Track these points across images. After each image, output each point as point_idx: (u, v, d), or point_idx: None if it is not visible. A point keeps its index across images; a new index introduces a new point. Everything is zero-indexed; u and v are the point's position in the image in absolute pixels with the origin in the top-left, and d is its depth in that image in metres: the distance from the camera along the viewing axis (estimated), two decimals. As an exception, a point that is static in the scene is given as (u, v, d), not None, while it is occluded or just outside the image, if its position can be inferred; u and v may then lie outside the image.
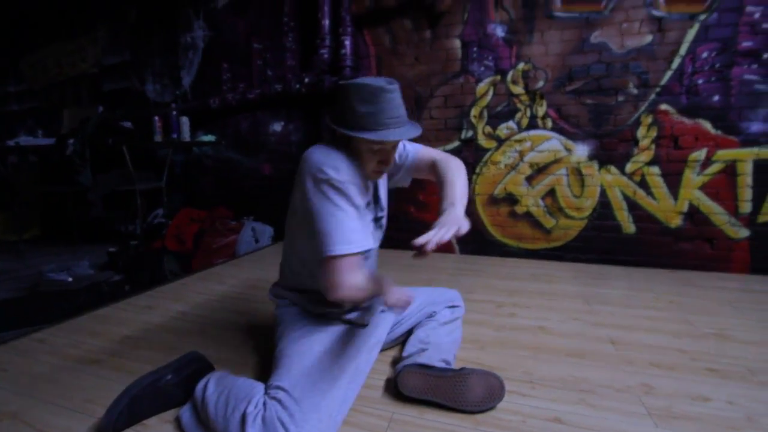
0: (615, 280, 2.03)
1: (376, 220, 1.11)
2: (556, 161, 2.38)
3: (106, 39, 3.26)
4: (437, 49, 2.53)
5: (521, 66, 2.38)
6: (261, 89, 2.88)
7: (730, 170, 2.08)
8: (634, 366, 1.17)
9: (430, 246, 0.81)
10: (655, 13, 2.12)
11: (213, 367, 1.09)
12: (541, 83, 2.35)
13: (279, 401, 0.82)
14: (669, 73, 2.14)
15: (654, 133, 2.19)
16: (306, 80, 2.62)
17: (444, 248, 2.67)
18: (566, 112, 2.33)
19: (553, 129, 2.36)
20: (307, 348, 0.97)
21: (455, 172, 1.08)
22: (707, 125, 2.10)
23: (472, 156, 2.54)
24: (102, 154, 2.56)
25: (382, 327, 1.10)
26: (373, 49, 2.68)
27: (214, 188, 3.22)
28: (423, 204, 2.70)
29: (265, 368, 1.17)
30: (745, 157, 2.05)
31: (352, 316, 1.09)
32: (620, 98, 2.23)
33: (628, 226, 2.28)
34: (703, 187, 2.14)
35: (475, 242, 2.60)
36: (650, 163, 2.21)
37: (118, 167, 2.67)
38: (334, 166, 0.90)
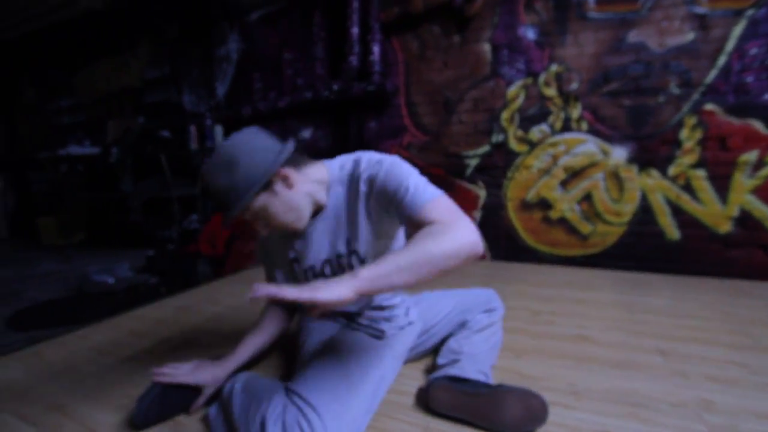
0: (659, 289, 1.91)
1: None
2: (593, 165, 2.29)
3: (148, 54, 3.45)
4: (466, 53, 2.52)
5: (554, 68, 2.32)
6: (291, 97, 2.95)
7: (787, 172, 1.94)
8: (688, 379, 1.08)
9: (260, 293, 0.63)
10: (697, 10, 2.02)
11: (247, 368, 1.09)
12: (575, 85, 2.29)
13: (298, 408, 0.79)
14: (714, 72, 2.02)
15: (699, 135, 2.07)
16: (335, 87, 2.66)
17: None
18: (602, 114, 2.25)
19: (588, 132, 2.28)
20: (328, 355, 0.94)
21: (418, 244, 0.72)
22: (758, 125, 1.97)
23: (502, 160, 2.49)
24: (142, 162, 2.68)
25: (408, 335, 1.06)
26: (402, 55, 2.69)
27: (246, 195, 3.29)
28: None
29: (292, 371, 1.16)
30: (804, 158, 1.91)
31: (370, 323, 1.04)
32: (661, 99, 2.12)
33: (672, 231, 2.16)
34: (756, 191, 1.99)
35: (507, 248, 2.53)
36: (695, 165, 2.09)
37: (156, 175, 2.79)
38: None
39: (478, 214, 2.59)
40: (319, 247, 0.95)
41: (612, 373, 1.12)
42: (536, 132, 2.39)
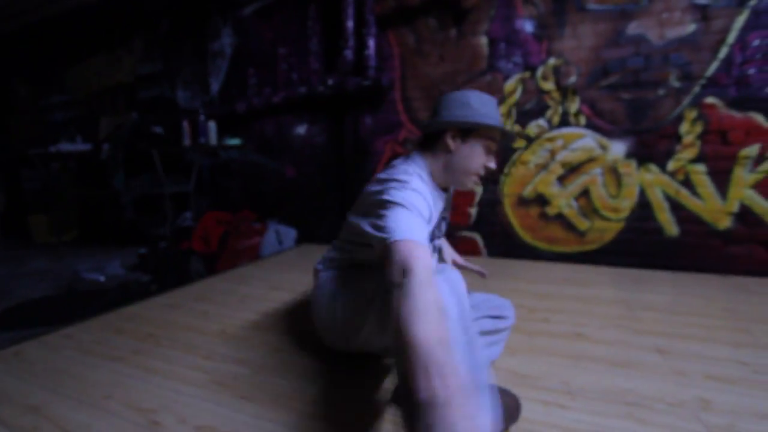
0: (658, 285, 1.87)
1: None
2: (591, 160, 2.25)
3: (141, 49, 3.41)
4: (463, 47, 2.47)
5: (552, 61, 2.28)
6: (286, 93, 2.90)
7: (788, 167, 1.90)
8: (687, 378, 1.05)
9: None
10: (699, 1, 1.98)
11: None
12: (573, 79, 2.24)
13: None
14: (715, 64, 1.98)
15: (699, 129, 2.03)
16: (330, 82, 2.62)
17: (470, 252, 2.58)
18: (601, 108, 2.21)
19: (586, 126, 2.24)
20: None
21: None
22: (760, 118, 1.93)
23: (499, 155, 2.45)
24: (134, 158, 2.65)
25: None
26: (397, 49, 2.65)
27: (240, 191, 3.27)
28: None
29: (283, 368, 1.13)
30: (806, 151, 1.87)
31: None
32: (660, 92, 2.08)
33: (671, 227, 2.12)
34: (757, 186, 1.96)
35: (504, 245, 2.49)
36: (695, 160, 2.05)
37: (148, 171, 2.75)
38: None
39: (474, 210, 2.55)
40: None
41: (608, 372, 1.09)
42: (533, 127, 2.35)
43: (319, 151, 2.98)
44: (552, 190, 2.34)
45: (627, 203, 2.19)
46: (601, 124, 2.21)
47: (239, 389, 1.04)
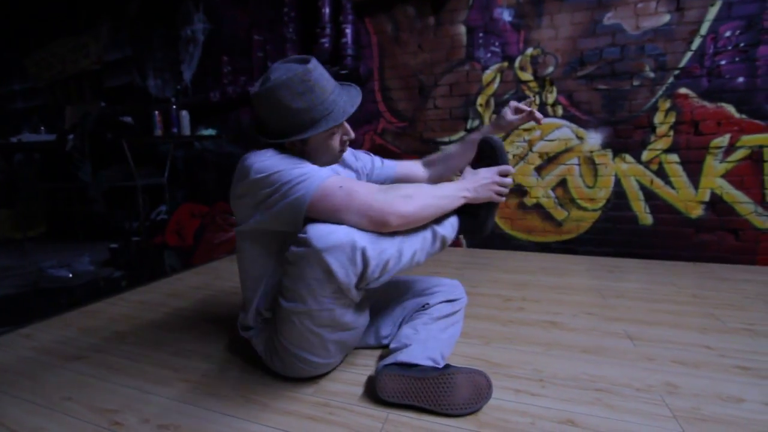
0: (632, 274, 1.91)
1: None
2: (568, 150, 2.26)
3: (108, 35, 3.25)
4: (441, 35, 2.44)
5: (530, 51, 2.27)
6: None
7: (756, 156, 1.95)
8: (655, 363, 1.06)
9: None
10: (673, -10, 2.00)
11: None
12: (550, 69, 2.24)
13: None
14: (689, 55, 2.01)
15: (672, 119, 2.06)
16: (307, 71, 2.55)
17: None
18: (578, 99, 2.22)
19: (563, 117, 2.25)
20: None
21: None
22: (731, 109, 1.97)
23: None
24: (102, 149, 2.54)
25: None
26: (375, 37, 2.60)
27: (216, 183, 3.18)
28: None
29: (254, 365, 1.09)
30: (773, 141, 1.92)
31: None
32: (636, 82, 2.10)
33: (645, 217, 2.16)
34: (727, 175, 2.00)
35: (483, 236, 2.50)
36: (668, 150, 2.09)
37: (118, 163, 2.64)
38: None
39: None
40: None
41: (580, 359, 1.09)
42: (512, 116, 2.35)
43: (297, 141, 2.91)
44: (530, 180, 2.35)
45: (603, 193, 2.22)
46: (578, 114, 2.22)
47: (207, 386, 1.01)
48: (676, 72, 2.03)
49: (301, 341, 0.90)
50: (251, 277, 0.98)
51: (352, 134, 0.97)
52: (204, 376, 1.06)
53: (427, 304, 1.11)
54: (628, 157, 2.16)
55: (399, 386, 0.87)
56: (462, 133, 2.47)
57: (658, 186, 2.12)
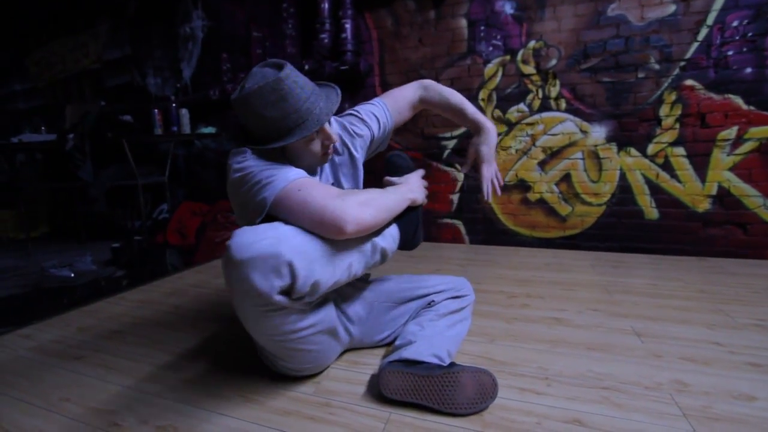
0: (637, 269, 1.88)
1: None
2: (571, 144, 2.23)
3: (107, 34, 3.24)
4: (442, 29, 2.41)
5: (532, 44, 2.24)
6: (262, 79, 2.79)
7: (764, 149, 1.91)
8: (663, 360, 1.04)
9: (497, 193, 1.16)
10: (679, -20, 1.95)
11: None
12: (553, 62, 2.21)
13: None
14: (695, 45, 1.97)
15: (678, 112, 2.03)
16: (306, 67, 2.53)
17: (452, 238, 2.56)
18: (581, 92, 2.18)
19: (567, 110, 2.22)
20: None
21: (440, 90, 1.19)
22: (738, 100, 1.93)
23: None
24: (102, 148, 2.53)
25: None
26: (375, 32, 2.57)
27: (217, 181, 3.16)
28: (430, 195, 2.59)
29: (254, 365, 1.08)
30: (782, 133, 1.88)
31: None
32: (640, 75, 2.07)
33: (651, 211, 2.12)
34: (734, 168, 1.97)
35: (486, 231, 2.47)
36: (674, 143, 2.05)
37: (119, 162, 2.63)
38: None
39: (455, 197, 2.52)
40: None
41: (585, 357, 1.07)
42: (514, 112, 2.32)
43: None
44: (533, 175, 2.32)
45: (607, 187, 2.19)
46: (582, 107, 2.19)
47: (206, 386, 0.99)
48: (682, 63, 1.99)
49: (267, 345, 0.89)
50: None
51: (335, 138, 0.93)
52: (204, 376, 1.05)
53: (433, 301, 1.09)
54: (633, 151, 2.12)
55: (402, 383, 0.85)
56: (464, 129, 2.44)
57: (664, 180, 2.08)
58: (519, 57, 2.27)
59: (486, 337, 1.20)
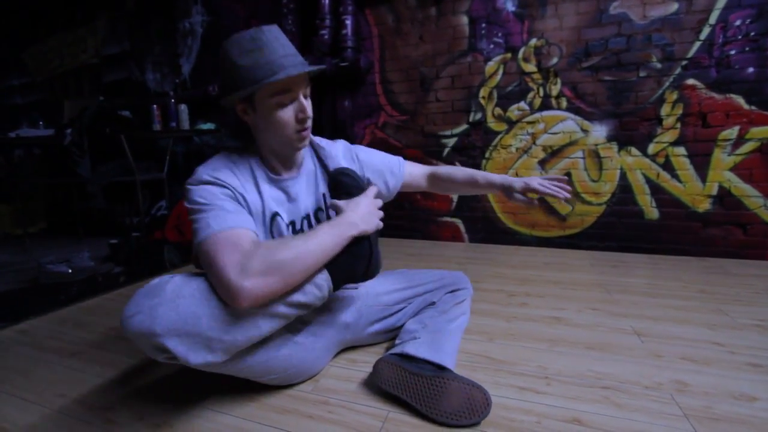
0: (637, 269, 1.87)
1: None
2: (572, 143, 2.22)
3: (105, 28, 3.21)
4: (443, 26, 2.39)
5: (533, 42, 2.23)
6: (261, 75, 2.77)
7: (766, 149, 1.90)
8: (663, 360, 1.03)
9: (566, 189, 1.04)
10: (682, -22, 1.94)
11: None
12: (555, 60, 2.20)
13: None
14: (697, 44, 1.96)
15: (680, 111, 2.02)
16: (306, 64, 2.51)
17: (451, 237, 2.55)
18: (582, 91, 2.17)
19: (568, 109, 2.21)
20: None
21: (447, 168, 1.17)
22: (740, 100, 1.92)
23: (480, 140, 2.40)
24: (101, 144, 2.50)
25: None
26: (376, 29, 2.55)
27: (216, 179, 3.15)
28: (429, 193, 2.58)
29: (251, 361, 1.07)
30: (783, 133, 1.87)
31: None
32: (642, 74, 2.06)
33: (651, 211, 2.12)
34: (735, 168, 1.96)
35: (485, 230, 2.47)
36: (675, 143, 2.04)
37: (117, 158, 2.61)
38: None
39: (455, 195, 2.51)
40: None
41: (585, 356, 1.06)
42: (515, 110, 2.31)
43: (297, 136, 2.88)
44: (533, 174, 2.31)
45: (608, 187, 2.18)
46: (583, 106, 2.18)
47: (203, 383, 0.99)
48: (684, 62, 1.98)
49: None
50: None
51: (309, 112, 0.85)
52: (200, 373, 1.03)
53: (433, 303, 1.09)
54: (634, 150, 2.12)
55: (394, 376, 0.86)
56: (464, 127, 2.43)
57: (665, 179, 2.08)
58: (520, 55, 2.26)
59: (485, 336, 1.20)
